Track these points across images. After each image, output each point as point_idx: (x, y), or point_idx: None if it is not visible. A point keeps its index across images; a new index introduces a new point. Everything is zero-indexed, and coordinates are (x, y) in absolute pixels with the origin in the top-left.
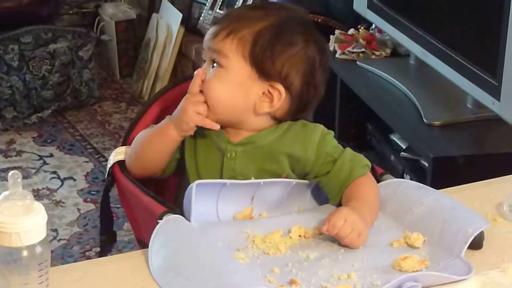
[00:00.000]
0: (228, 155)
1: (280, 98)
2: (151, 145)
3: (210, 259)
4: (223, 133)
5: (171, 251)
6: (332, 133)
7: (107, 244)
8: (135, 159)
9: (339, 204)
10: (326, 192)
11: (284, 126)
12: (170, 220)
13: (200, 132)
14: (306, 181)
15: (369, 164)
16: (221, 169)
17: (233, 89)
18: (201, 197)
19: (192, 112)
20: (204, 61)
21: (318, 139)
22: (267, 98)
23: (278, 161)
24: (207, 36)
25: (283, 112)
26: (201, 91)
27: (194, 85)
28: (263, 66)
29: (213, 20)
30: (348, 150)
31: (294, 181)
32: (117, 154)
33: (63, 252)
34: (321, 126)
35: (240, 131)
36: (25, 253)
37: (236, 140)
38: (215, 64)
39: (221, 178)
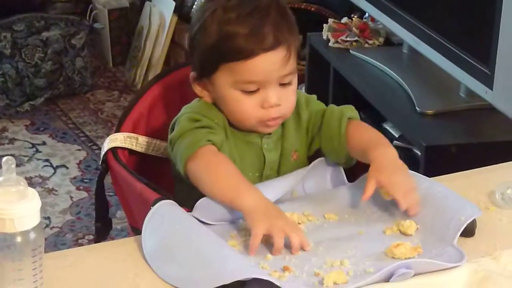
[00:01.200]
0: (265, 146)
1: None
2: (216, 194)
3: (202, 245)
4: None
5: (164, 235)
6: (315, 96)
7: (102, 231)
8: (200, 183)
9: (345, 157)
10: (327, 149)
11: None
12: (164, 205)
13: (232, 133)
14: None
15: (355, 112)
16: (263, 162)
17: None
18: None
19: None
20: (253, 90)
21: (304, 100)
22: None
23: (292, 137)
24: (273, 66)
25: None
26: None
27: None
28: (299, 55)
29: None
30: (331, 106)
31: (305, 170)
32: (111, 141)
33: (56, 240)
34: (301, 91)
35: None
36: (19, 239)
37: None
38: (287, 84)
39: (263, 171)
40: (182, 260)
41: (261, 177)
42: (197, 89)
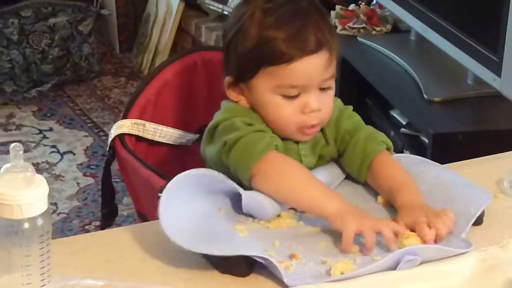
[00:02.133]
0: (302, 151)
1: None
2: (295, 201)
3: (212, 227)
4: None
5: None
6: (351, 107)
7: (108, 217)
8: (273, 189)
9: (364, 183)
10: (347, 171)
11: None
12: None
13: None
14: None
15: (388, 141)
16: None
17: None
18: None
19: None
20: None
21: (336, 115)
22: None
23: (332, 144)
24: (316, 70)
25: None
26: None
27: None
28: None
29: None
30: (366, 128)
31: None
32: (118, 128)
33: (62, 226)
34: (338, 101)
35: None
36: (26, 225)
37: None
38: (326, 89)
39: None
40: (196, 228)
41: None
42: (232, 95)
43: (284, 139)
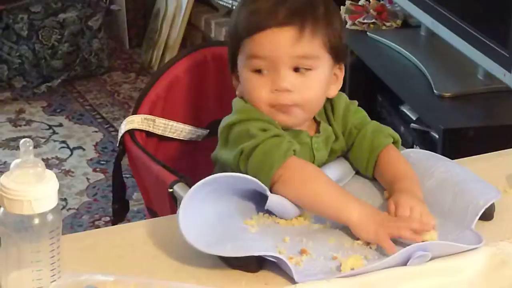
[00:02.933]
0: (315, 145)
1: (342, 75)
2: (318, 208)
3: (225, 227)
4: (301, 129)
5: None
6: (356, 102)
7: (119, 213)
8: (295, 196)
9: (371, 177)
10: (355, 165)
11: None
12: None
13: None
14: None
15: (395, 134)
16: (313, 162)
17: (323, 86)
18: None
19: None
20: (259, 70)
21: (342, 110)
22: (335, 79)
23: (340, 139)
24: (281, 44)
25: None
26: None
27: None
28: (338, 52)
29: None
30: (373, 122)
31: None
32: (128, 123)
33: (72, 221)
34: (344, 96)
35: (306, 122)
36: (36, 221)
37: (312, 132)
38: (301, 70)
39: None
40: (212, 231)
41: None
42: (234, 84)
43: (299, 131)
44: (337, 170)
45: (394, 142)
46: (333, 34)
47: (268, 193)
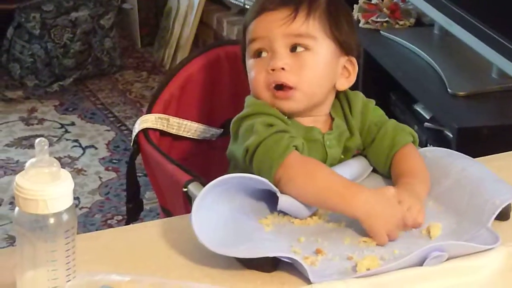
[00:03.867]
0: (327, 142)
1: (355, 71)
2: (323, 203)
3: (239, 227)
4: (314, 126)
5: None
6: (373, 101)
7: (133, 212)
8: (298, 192)
9: (388, 174)
10: (373, 162)
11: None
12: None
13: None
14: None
15: (414, 133)
16: (325, 160)
17: (323, 70)
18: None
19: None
20: (261, 51)
21: (360, 107)
22: (346, 73)
23: (357, 136)
24: (275, 23)
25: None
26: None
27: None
28: (345, 40)
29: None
30: (392, 120)
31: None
32: (142, 122)
33: (85, 220)
34: (361, 94)
35: (318, 117)
36: (52, 220)
37: (325, 129)
38: (298, 49)
39: None
40: (226, 231)
41: None
42: (248, 80)
43: (311, 128)
44: (352, 168)
45: (413, 142)
46: (336, 24)
47: (279, 194)
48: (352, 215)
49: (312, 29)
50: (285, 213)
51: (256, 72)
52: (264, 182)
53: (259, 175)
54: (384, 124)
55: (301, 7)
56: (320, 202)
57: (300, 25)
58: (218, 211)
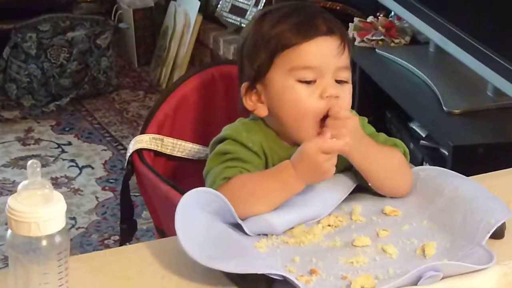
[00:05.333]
0: None
1: None
2: (270, 198)
3: (231, 242)
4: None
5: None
6: (366, 119)
7: (127, 233)
8: (243, 207)
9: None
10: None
11: None
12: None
13: (279, 147)
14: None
15: (405, 147)
16: None
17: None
18: None
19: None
20: (306, 80)
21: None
22: None
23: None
24: (330, 53)
25: None
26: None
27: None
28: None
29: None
30: (382, 134)
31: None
32: (137, 143)
33: (81, 240)
34: (354, 112)
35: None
36: (44, 242)
37: None
38: (343, 82)
39: None
40: (213, 244)
41: None
42: (249, 103)
43: (293, 150)
44: (336, 184)
45: (404, 156)
46: (349, 40)
47: (239, 221)
48: (291, 181)
49: (349, 61)
50: (278, 234)
51: (305, 98)
52: (226, 209)
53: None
54: (376, 137)
55: (344, 37)
56: (264, 202)
57: (346, 58)
58: (205, 224)
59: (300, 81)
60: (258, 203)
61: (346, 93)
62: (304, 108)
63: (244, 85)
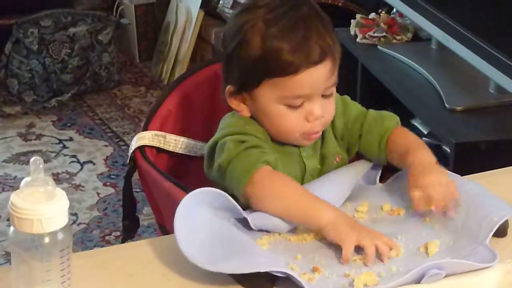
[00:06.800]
0: (304, 153)
1: None
2: (290, 217)
3: (232, 241)
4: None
5: (198, 223)
6: (348, 97)
7: (130, 229)
8: (266, 207)
9: (384, 161)
10: (367, 155)
11: None
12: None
13: (272, 145)
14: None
15: (395, 116)
16: (303, 171)
17: None
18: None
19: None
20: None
21: (340, 107)
22: None
23: (332, 142)
24: (320, 79)
25: None
26: None
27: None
28: None
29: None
30: (370, 110)
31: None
32: (139, 140)
33: (83, 236)
34: (337, 94)
35: None
36: (47, 239)
37: None
38: (328, 95)
39: (303, 179)
40: (212, 247)
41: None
42: (234, 103)
43: (284, 144)
44: (334, 183)
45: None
46: (340, 48)
47: (245, 214)
48: (317, 226)
49: (336, 77)
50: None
51: (291, 121)
52: (230, 203)
53: (231, 192)
54: (365, 117)
55: (336, 54)
56: (288, 215)
57: (335, 76)
58: (205, 226)
59: (288, 106)
60: (282, 210)
61: (331, 104)
62: (291, 130)
63: (230, 88)
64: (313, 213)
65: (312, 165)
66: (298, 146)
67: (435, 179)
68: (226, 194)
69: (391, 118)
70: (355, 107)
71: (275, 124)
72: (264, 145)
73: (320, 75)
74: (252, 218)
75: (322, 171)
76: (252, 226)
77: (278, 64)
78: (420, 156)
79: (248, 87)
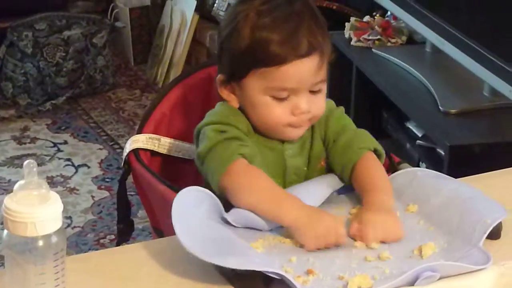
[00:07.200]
0: (289, 151)
1: None
2: (263, 213)
3: (230, 239)
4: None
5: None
6: (342, 108)
7: (124, 233)
8: (237, 201)
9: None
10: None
11: None
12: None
13: (256, 138)
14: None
15: (371, 145)
16: (284, 169)
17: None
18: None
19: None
20: (280, 98)
21: (325, 116)
22: None
23: (320, 145)
24: (306, 74)
25: None
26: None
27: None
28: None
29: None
30: (350, 133)
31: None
32: (133, 142)
33: (77, 240)
34: (331, 102)
35: None
36: (40, 242)
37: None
38: (317, 92)
39: (285, 177)
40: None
41: (284, 183)
42: (224, 92)
43: (271, 139)
44: (317, 186)
45: (376, 152)
46: (330, 47)
47: (225, 214)
48: (283, 223)
49: (325, 74)
50: (275, 235)
51: (277, 113)
52: (213, 202)
53: (209, 182)
54: (339, 137)
55: (325, 51)
56: (259, 210)
57: (323, 72)
58: (203, 219)
59: (274, 97)
60: (253, 203)
61: (319, 100)
62: (276, 122)
63: (220, 77)
64: (279, 211)
65: (295, 164)
66: (283, 142)
67: (378, 218)
68: (212, 194)
69: (356, 151)
70: (342, 122)
71: (261, 115)
72: (244, 137)
73: (306, 69)
74: (233, 219)
75: (308, 173)
76: (233, 223)
77: (266, 54)
78: (374, 196)
79: (237, 77)
